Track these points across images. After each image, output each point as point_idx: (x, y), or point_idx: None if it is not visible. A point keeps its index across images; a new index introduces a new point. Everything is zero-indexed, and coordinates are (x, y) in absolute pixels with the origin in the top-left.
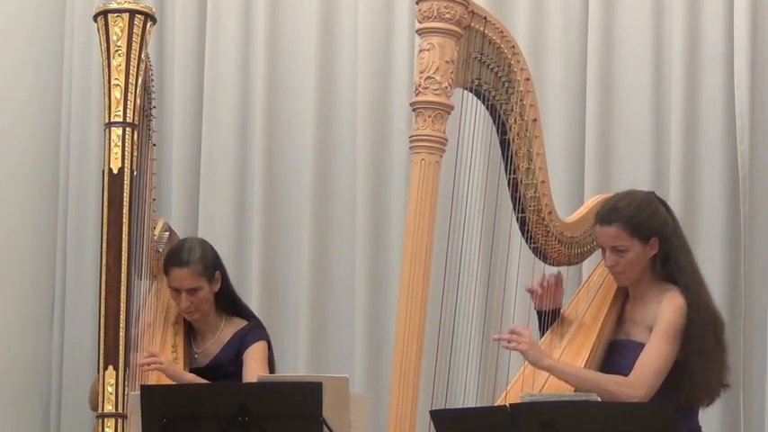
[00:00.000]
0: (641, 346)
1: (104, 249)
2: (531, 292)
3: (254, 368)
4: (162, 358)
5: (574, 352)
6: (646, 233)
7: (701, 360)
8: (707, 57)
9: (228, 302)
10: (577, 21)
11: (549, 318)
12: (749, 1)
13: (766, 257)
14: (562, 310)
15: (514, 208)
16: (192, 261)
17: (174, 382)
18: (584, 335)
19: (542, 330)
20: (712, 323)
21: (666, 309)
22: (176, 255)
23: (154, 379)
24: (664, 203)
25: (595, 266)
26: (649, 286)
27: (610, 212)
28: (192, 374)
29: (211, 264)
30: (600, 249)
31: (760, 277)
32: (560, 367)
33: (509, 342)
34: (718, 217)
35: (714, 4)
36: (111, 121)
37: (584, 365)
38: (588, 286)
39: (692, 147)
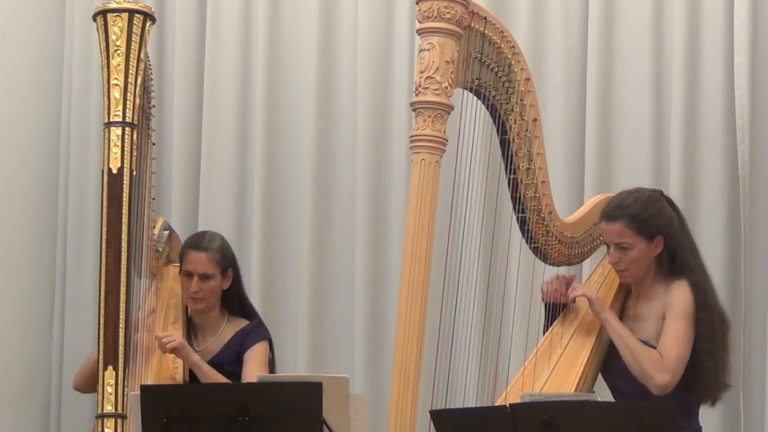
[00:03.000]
0: (646, 344)
1: (104, 249)
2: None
3: (253, 370)
4: (174, 335)
5: (575, 349)
6: (651, 231)
7: (710, 359)
8: (707, 57)
9: (236, 303)
10: (577, 21)
11: (552, 312)
12: (749, 1)
13: (766, 257)
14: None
15: (514, 208)
16: (212, 248)
17: (184, 362)
18: (586, 333)
19: (547, 323)
20: (720, 323)
21: (677, 295)
22: (196, 240)
23: (153, 378)
24: (671, 202)
25: (596, 265)
26: (654, 283)
27: (615, 209)
28: (199, 357)
29: (228, 258)
30: (602, 248)
31: (760, 277)
32: (613, 324)
33: (576, 290)
34: (718, 217)
35: (714, 3)
36: (111, 120)
37: (586, 363)
38: (589, 284)
39: (692, 147)
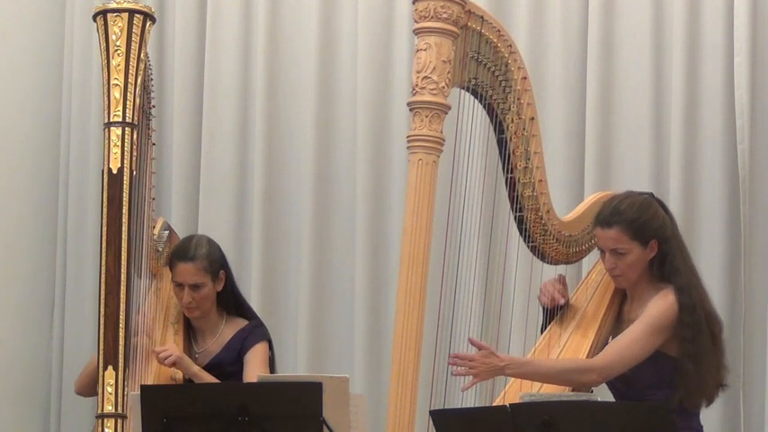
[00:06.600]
0: None
1: (104, 249)
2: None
3: (254, 372)
4: (171, 349)
5: (573, 349)
6: (646, 236)
7: (694, 362)
8: (707, 57)
9: (232, 302)
10: (577, 21)
11: (550, 313)
12: (749, 1)
13: (766, 257)
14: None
15: (512, 207)
16: (198, 257)
17: (184, 373)
18: (584, 332)
19: (545, 324)
20: (709, 324)
21: (655, 304)
22: (183, 250)
23: (153, 378)
24: (662, 204)
25: (594, 264)
26: (647, 287)
27: (610, 215)
28: (199, 368)
29: (217, 262)
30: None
31: (760, 277)
32: (529, 370)
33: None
34: (719, 217)
35: (714, 4)
36: (111, 120)
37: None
38: (587, 284)
39: (692, 147)
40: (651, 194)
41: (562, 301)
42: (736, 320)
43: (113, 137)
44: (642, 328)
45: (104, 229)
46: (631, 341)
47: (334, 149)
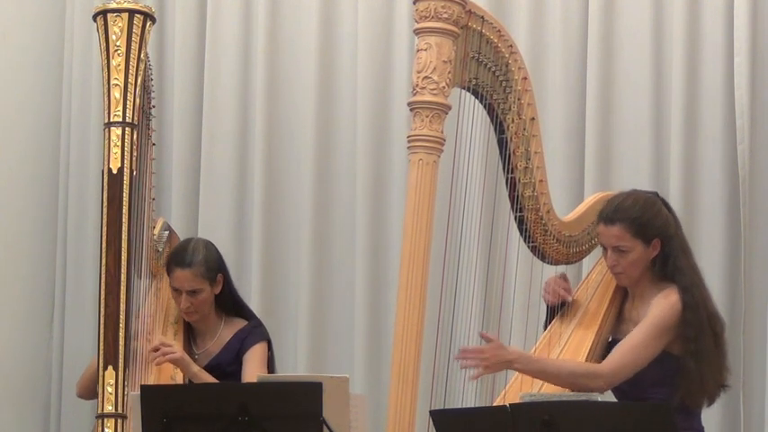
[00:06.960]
0: None
1: (104, 249)
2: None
3: (253, 371)
4: (175, 347)
5: (573, 349)
6: (649, 234)
7: (696, 361)
8: (707, 57)
9: (230, 304)
10: (577, 20)
11: (553, 311)
12: (749, 1)
13: (766, 257)
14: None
15: (512, 207)
16: (195, 263)
17: (184, 373)
18: (584, 331)
19: (547, 322)
20: (711, 324)
21: (658, 304)
22: (179, 255)
23: (153, 379)
24: (666, 204)
25: (595, 264)
26: (649, 285)
27: (614, 212)
28: (199, 368)
29: (214, 266)
30: (599, 247)
31: (760, 277)
32: (531, 366)
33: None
34: (719, 217)
35: (714, 4)
36: (111, 120)
37: (585, 360)
38: (587, 283)
39: (692, 147)
40: (656, 193)
41: (569, 299)
42: (736, 320)
43: (113, 137)
44: (647, 330)
45: (104, 229)
46: (637, 346)
47: (334, 149)
